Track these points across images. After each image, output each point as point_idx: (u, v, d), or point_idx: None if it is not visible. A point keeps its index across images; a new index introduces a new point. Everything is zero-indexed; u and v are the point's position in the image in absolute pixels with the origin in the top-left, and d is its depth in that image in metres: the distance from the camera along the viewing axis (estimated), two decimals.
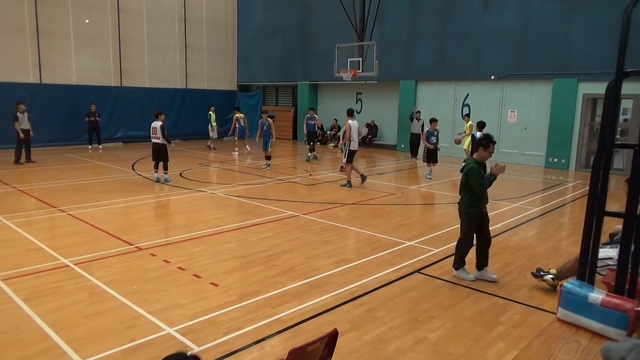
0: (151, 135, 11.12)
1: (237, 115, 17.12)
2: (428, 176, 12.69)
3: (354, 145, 11.02)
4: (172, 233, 7.21)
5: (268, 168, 13.42)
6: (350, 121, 10.99)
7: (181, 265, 5.81)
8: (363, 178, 11.32)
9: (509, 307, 4.84)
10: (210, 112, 18.64)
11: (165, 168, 11.23)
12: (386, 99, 19.84)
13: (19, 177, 11.78)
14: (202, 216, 8.36)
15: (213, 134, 18.60)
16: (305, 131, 16.57)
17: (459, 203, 5.64)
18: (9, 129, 13.85)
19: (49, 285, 5.10)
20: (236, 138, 17.33)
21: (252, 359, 3.80)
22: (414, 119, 17.17)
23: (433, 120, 12.89)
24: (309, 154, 16.03)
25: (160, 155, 11.16)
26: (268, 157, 13.63)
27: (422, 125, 17.08)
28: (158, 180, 11.17)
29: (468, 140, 15.21)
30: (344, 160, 11.25)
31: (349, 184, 11.10)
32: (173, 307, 4.63)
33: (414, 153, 17.35)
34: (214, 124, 18.54)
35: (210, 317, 4.44)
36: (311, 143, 16.21)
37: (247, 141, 17.57)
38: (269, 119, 13.55)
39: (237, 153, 17.14)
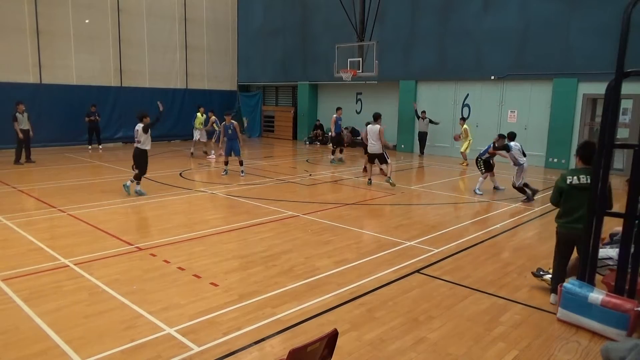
0: (134, 139, 9.82)
1: (212, 117, 16.40)
2: (501, 187, 10.91)
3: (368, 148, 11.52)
4: (172, 233, 7.20)
5: (242, 175, 12.20)
6: (369, 126, 11.38)
7: (181, 265, 5.81)
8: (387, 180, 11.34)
9: (509, 307, 4.84)
10: (197, 114, 16.49)
11: (138, 178, 9.78)
12: (386, 99, 19.81)
13: (19, 177, 11.78)
14: (202, 216, 8.36)
15: (200, 136, 16.42)
16: (332, 133, 15.40)
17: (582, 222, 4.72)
18: (9, 129, 13.86)
19: (49, 286, 5.10)
20: (213, 140, 16.52)
21: (252, 359, 3.80)
22: (419, 117, 17.41)
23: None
24: (332, 156, 15.40)
25: (137, 162, 9.69)
26: (241, 163, 12.46)
27: (429, 123, 17.30)
28: (127, 188, 9.77)
29: (466, 144, 15.27)
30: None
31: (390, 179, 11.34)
32: (173, 307, 4.63)
33: (422, 151, 17.89)
34: (199, 126, 16.31)
35: (210, 317, 4.44)
36: (343, 145, 15.76)
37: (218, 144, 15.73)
38: (232, 121, 12.41)
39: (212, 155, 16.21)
